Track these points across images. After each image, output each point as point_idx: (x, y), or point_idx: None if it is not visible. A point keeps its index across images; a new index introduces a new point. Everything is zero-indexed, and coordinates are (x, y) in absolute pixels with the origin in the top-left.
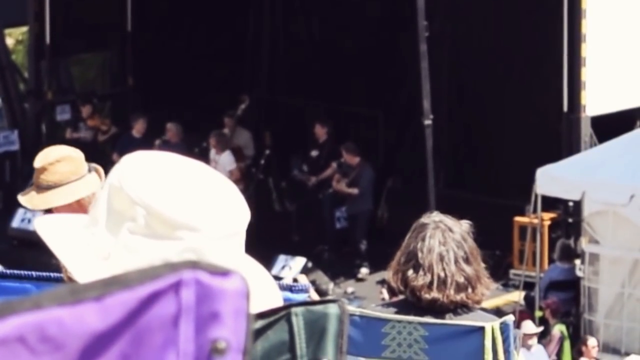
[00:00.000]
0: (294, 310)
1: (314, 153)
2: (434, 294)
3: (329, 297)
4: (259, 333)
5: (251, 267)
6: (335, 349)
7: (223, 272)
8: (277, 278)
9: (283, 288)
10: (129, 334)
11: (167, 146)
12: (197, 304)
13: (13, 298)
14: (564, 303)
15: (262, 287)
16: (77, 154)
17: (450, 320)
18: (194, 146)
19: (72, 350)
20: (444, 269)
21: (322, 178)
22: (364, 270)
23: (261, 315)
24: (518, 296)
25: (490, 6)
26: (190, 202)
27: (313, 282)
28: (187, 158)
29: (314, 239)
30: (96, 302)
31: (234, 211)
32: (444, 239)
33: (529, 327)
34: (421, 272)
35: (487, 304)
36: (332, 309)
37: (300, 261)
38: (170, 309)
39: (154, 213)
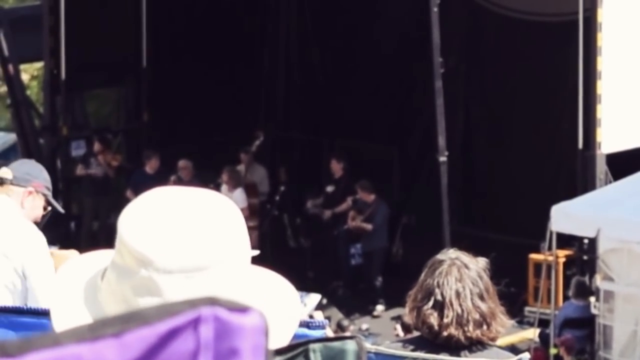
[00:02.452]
0: (311, 346)
1: (330, 189)
2: (451, 331)
3: (347, 334)
4: None
5: (258, 295)
6: None
7: (242, 309)
8: None
9: (300, 325)
10: None
11: (180, 183)
12: (215, 340)
13: (32, 334)
14: (579, 340)
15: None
16: None
17: (465, 357)
18: (209, 182)
19: None
20: (460, 306)
21: (338, 212)
22: (379, 307)
23: (279, 352)
24: (533, 333)
25: (506, 43)
26: (153, 235)
27: (328, 318)
28: (192, 192)
29: (329, 276)
30: (115, 339)
31: (199, 246)
32: (460, 275)
33: None
34: (438, 309)
35: (502, 341)
36: (350, 345)
37: (315, 297)
38: (189, 345)
39: (122, 242)
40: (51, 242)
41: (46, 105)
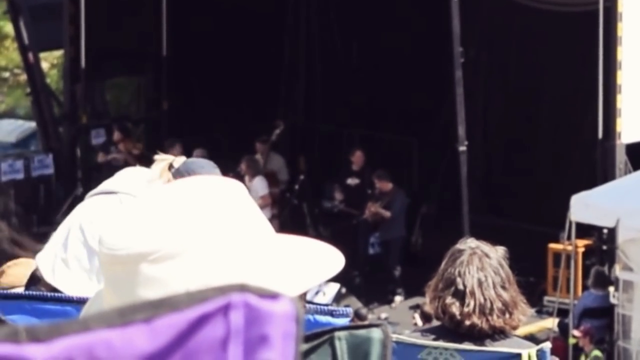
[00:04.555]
0: (337, 334)
1: (352, 181)
2: (474, 320)
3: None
4: (302, 357)
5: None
6: None
7: (272, 295)
8: (312, 303)
9: (324, 312)
10: (177, 356)
11: None
12: (245, 327)
13: (60, 320)
14: (598, 330)
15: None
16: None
17: (487, 347)
18: (229, 171)
19: None
20: (483, 295)
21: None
22: (397, 297)
23: (305, 339)
24: (552, 323)
25: (526, 33)
26: (117, 220)
27: (347, 307)
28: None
29: (348, 265)
30: (145, 324)
31: (158, 230)
32: (482, 264)
33: None
34: (460, 298)
35: (521, 330)
36: (376, 334)
37: (334, 287)
38: (219, 332)
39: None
40: None
41: (66, 93)
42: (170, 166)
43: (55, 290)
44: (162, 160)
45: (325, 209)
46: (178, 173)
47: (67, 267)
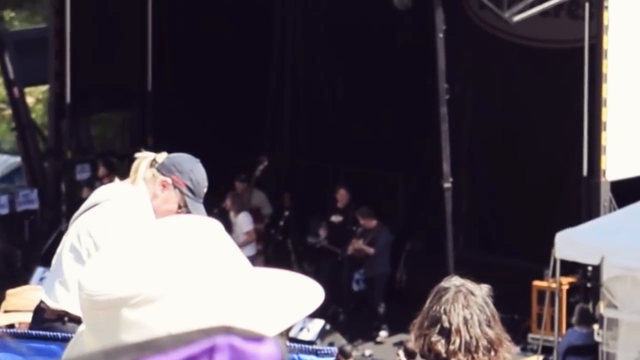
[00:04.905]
0: None
1: (336, 218)
2: (460, 358)
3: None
4: None
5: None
6: None
7: (257, 338)
8: (297, 340)
9: (309, 352)
10: None
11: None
12: None
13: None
14: None
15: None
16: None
17: None
18: (214, 207)
19: None
20: (468, 332)
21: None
22: (382, 333)
23: None
24: None
25: (511, 70)
26: (97, 264)
27: (331, 344)
28: (169, 222)
29: (333, 301)
30: None
31: (138, 275)
32: (467, 302)
33: None
34: (445, 336)
35: None
36: None
37: (318, 323)
38: None
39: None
40: None
41: (51, 128)
42: (154, 162)
43: (61, 315)
44: (143, 157)
45: (309, 244)
46: (163, 167)
47: (67, 289)
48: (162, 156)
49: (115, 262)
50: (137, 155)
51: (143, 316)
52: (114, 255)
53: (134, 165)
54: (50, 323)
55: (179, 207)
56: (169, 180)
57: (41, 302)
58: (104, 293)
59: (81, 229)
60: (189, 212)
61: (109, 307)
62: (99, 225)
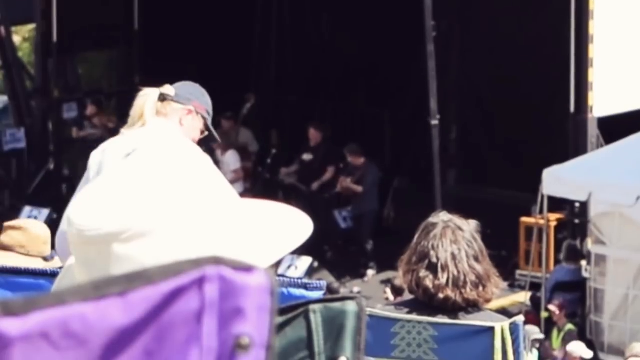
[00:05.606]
0: (312, 307)
1: (307, 157)
2: (447, 293)
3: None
4: (277, 330)
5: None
6: (354, 346)
7: (246, 268)
8: (284, 277)
9: (298, 286)
10: (152, 329)
11: None
12: (220, 300)
13: (34, 294)
14: (570, 304)
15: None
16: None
17: (460, 320)
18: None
19: (96, 346)
20: (456, 267)
21: (325, 182)
22: (370, 271)
23: (279, 312)
24: (524, 297)
25: (499, 7)
26: (86, 200)
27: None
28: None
29: (320, 239)
30: (120, 298)
31: (126, 210)
32: (455, 237)
33: (534, 332)
34: (433, 271)
35: (493, 304)
36: (351, 306)
37: (306, 261)
38: (194, 305)
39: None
40: (43, 204)
41: (38, 67)
42: (163, 96)
43: None
44: (146, 95)
45: (284, 181)
46: (180, 97)
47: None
48: (169, 88)
49: (105, 197)
50: (139, 94)
51: (134, 250)
52: (104, 190)
53: (138, 104)
54: None
55: (201, 132)
56: (192, 108)
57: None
58: (95, 228)
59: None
60: (211, 135)
61: (100, 241)
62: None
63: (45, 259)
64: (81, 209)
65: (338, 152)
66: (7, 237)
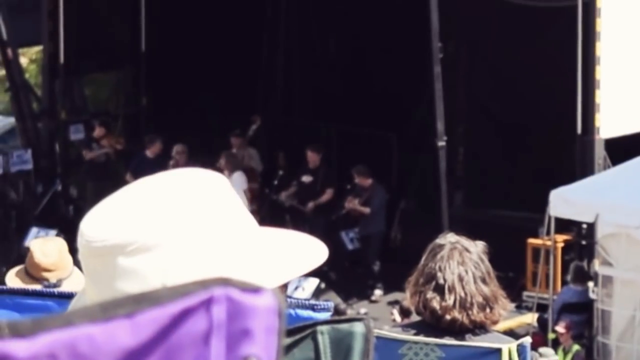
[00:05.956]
0: (319, 328)
1: (306, 179)
2: (454, 314)
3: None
4: (284, 351)
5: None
6: None
7: (254, 289)
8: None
9: (305, 307)
10: (160, 351)
11: (177, 168)
12: (228, 321)
13: (42, 315)
14: (577, 325)
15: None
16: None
17: (467, 341)
18: (208, 166)
19: None
20: (463, 289)
21: (321, 203)
22: (377, 292)
23: (287, 333)
24: (531, 318)
25: (505, 29)
26: (98, 212)
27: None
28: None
29: (327, 260)
30: (127, 319)
31: (135, 223)
32: (462, 259)
33: (549, 354)
34: (440, 293)
35: (500, 326)
36: (358, 328)
37: (313, 282)
38: (202, 326)
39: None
40: (50, 225)
41: (45, 89)
42: None
43: None
44: None
45: (285, 204)
46: None
47: None
48: None
49: (115, 210)
50: None
51: (138, 264)
52: (115, 204)
53: None
54: None
55: None
56: None
57: None
58: (101, 239)
59: None
60: None
61: (105, 253)
62: None
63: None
64: (92, 221)
65: (335, 174)
66: (43, 259)
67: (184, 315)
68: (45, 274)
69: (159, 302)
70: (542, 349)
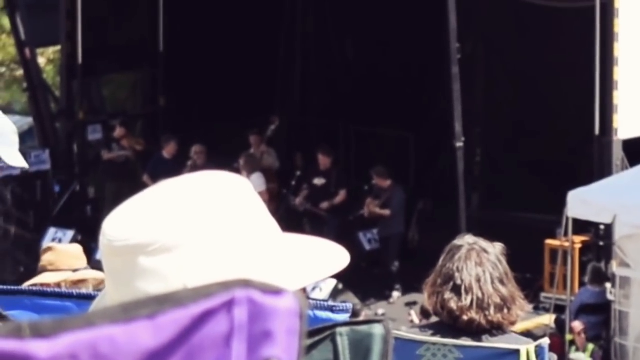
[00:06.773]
0: (338, 330)
1: (318, 181)
2: (472, 315)
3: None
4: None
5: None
6: None
7: (276, 291)
8: (309, 299)
9: (324, 308)
10: (181, 352)
11: (196, 168)
12: (249, 323)
13: (64, 316)
14: (595, 326)
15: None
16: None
17: (485, 342)
18: (226, 167)
19: None
20: (481, 289)
21: (335, 204)
22: (395, 293)
23: (306, 335)
24: (549, 319)
25: (523, 29)
26: (120, 213)
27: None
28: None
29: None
30: (149, 320)
31: (156, 223)
32: (480, 260)
33: (579, 358)
34: (459, 294)
35: (518, 327)
36: (377, 329)
37: (330, 283)
38: (223, 328)
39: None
40: (68, 226)
41: (62, 89)
42: None
43: None
44: None
45: (299, 208)
46: None
47: None
48: None
49: (137, 211)
50: None
51: (159, 264)
52: (138, 204)
53: None
54: None
55: None
56: None
57: None
58: (122, 239)
59: None
60: None
61: (127, 253)
62: None
63: (74, 270)
64: (114, 220)
65: (347, 175)
66: (42, 261)
67: (205, 317)
68: (74, 261)
69: (181, 304)
70: (572, 355)
